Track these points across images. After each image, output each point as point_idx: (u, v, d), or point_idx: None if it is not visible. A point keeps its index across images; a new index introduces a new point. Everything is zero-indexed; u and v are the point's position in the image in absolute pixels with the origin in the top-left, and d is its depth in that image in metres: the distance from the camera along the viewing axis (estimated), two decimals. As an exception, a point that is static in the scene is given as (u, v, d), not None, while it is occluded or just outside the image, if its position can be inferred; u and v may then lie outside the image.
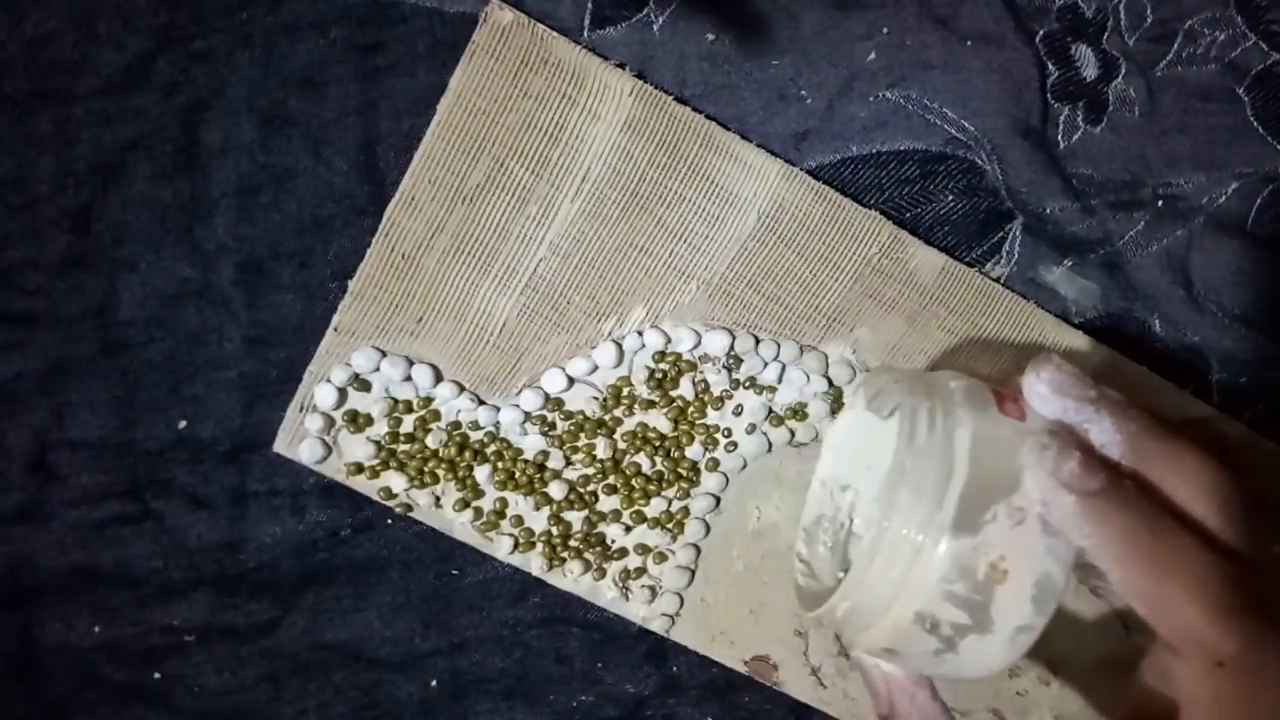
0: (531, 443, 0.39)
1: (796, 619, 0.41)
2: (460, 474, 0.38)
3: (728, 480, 0.40)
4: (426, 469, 0.38)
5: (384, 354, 0.37)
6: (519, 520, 0.39)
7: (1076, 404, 0.26)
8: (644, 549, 0.40)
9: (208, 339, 0.37)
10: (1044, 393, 0.26)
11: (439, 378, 0.38)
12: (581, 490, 0.39)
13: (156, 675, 0.40)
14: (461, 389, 0.38)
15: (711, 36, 0.36)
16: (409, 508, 0.39)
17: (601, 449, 0.39)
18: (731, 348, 0.38)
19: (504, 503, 0.39)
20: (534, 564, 0.40)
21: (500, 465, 0.39)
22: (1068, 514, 0.24)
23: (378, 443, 0.38)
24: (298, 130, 0.36)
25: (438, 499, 0.39)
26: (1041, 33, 0.38)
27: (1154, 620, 0.23)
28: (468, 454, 0.38)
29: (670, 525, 0.40)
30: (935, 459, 0.25)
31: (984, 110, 0.38)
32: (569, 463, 0.39)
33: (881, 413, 0.32)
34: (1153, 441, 0.25)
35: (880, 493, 0.26)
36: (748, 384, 0.39)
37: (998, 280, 0.39)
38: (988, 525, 0.24)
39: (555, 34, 0.35)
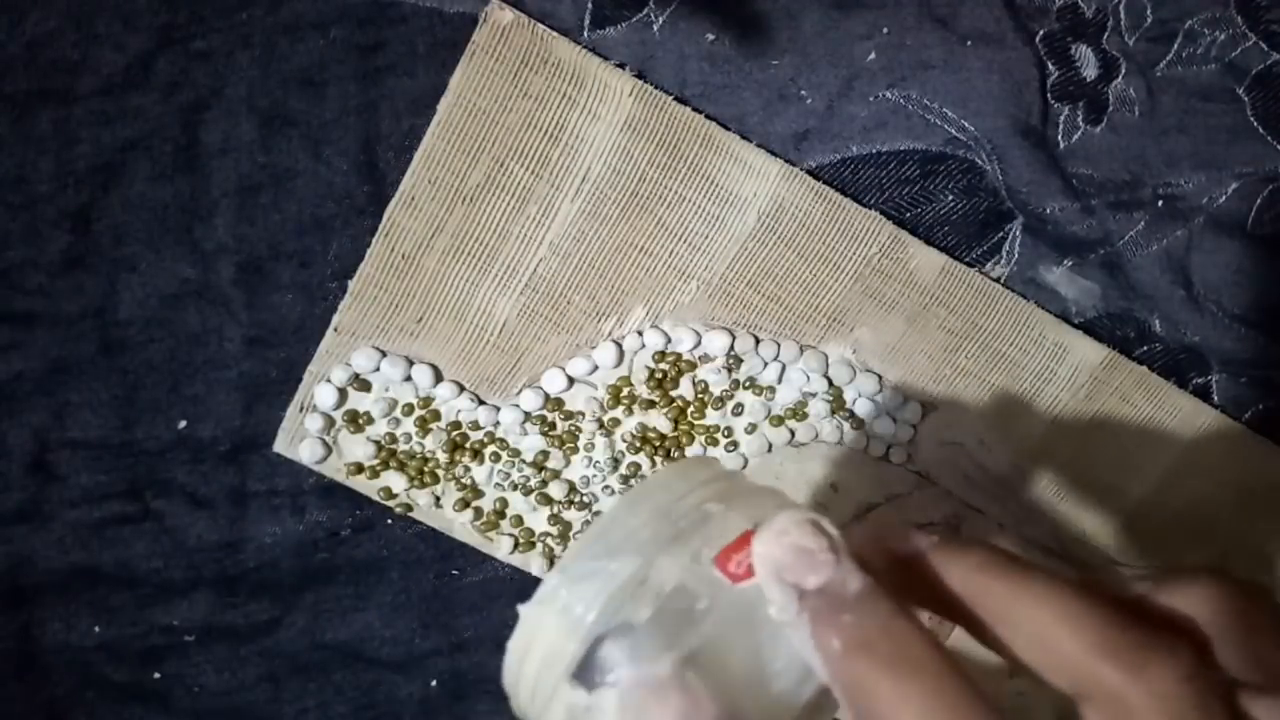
0: (531, 443, 0.39)
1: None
2: (460, 474, 0.38)
3: (728, 480, 0.40)
4: (426, 469, 0.38)
5: (384, 354, 0.37)
6: (519, 520, 0.39)
7: (783, 596, 0.19)
8: (644, 549, 0.40)
9: (208, 339, 0.37)
10: (759, 569, 0.19)
11: (439, 378, 0.38)
12: (581, 490, 0.39)
13: (156, 675, 0.40)
14: (461, 389, 0.38)
15: (711, 36, 0.36)
16: (409, 508, 0.39)
17: (601, 449, 0.39)
18: (731, 348, 0.38)
19: (504, 503, 0.39)
20: (534, 564, 0.40)
21: (500, 465, 0.39)
22: None
23: (378, 443, 0.38)
24: (298, 130, 0.36)
25: (438, 499, 0.39)
26: (1041, 33, 0.38)
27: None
28: (467, 454, 0.38)
29: (670, 525, 0.40)
30: (619, 579, 0.20)
31: (984, 110, 0.38)
32: (569, 462, 0.39)
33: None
34: (861, 664, 0.18)
35: (568, 565, 0.21)
36: (748, 384, 0.39)
37: (998, 280, 0.39)
38: (608, 689, 0.20)
39: (555, 34, 0.35)
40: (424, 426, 0.38)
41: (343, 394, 0.37)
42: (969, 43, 0.37)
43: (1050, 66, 0.38)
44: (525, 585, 0.40)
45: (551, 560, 0.40)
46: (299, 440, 0.38)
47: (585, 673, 0.20)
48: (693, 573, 0.20)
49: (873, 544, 0.20)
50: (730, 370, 0.39)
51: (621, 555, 0.20)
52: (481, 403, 0.38)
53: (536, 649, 0.20)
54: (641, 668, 0.19)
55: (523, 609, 0.21)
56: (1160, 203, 0.39)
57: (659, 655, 0.19)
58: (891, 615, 0.18)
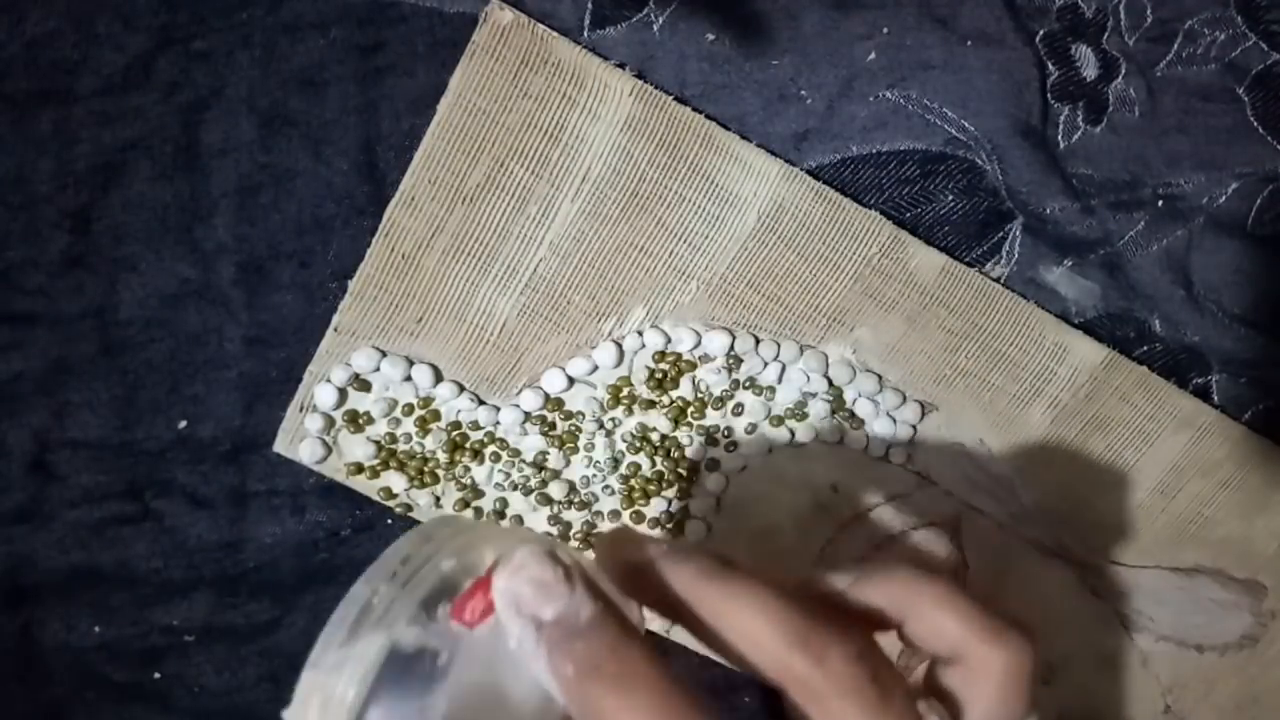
0: (531, 443, 0.39)
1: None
2: (460, 474, 0.38)
3: (728, 480, 0.40)
4: (426, 469, 0.38)
5: (384, 354, 0.37)
6: (519, 520, 0.39)
7: (521, 629, 0.20)
8: (644, 549, 0.40)
9: (208, 339, 0.37)
10: (499, 606, 0.20)
11: (439, 378, 0.38)
12: (581, 490, 0.39)
13: (156, 675, 0.40)
14: (461, 389, 0.38)
15: (711, 36, 0.36)
16: (409, 508, 0.39)
17: (601, 449, 0.39)
18: (731, 348, 0.38)
19: (504, 503, 0.39)
20: (534, 564, 0.40)
21: (500, 465, 0.39)
22: None
23: (378, 443, 0.38)
24: (298, 130, 0.36)
25: (438, 499, 0.39)
26: (1041, 33, 0.38)
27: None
28: (467, 454, 0.38)
29: (670, 525, 0.40)
30: (366, 661, 0.21)
31: (984, 110, 0.38)
32: (569, 462, 0.39)
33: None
34: (593, 687, 0.19)
35: (316, 658, 0.22)
36: (748, 384, 0.39)
37: (998, 280, 0.39)
38: None
39: (555, 34, 0.35)
40: (424, 426, 0.38)
41: (343, 394, 0.37)
42: (969, 43, 0.37)
43: (1050, 66, 0.38)
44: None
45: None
46: (299, 440, 0.38)
47: None
48: (430, 631, 0.20)
49: (611, 554, 0.22)
50: (730, 370, 0.39)
51: (364, 636, 0.20)
52: (481, 403, 0.38)
53: None
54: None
55: (285, 714, 0.22)
56: (1160, 203, 0.39)
57: None
58: (619, 637, 0.20)
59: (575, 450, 0.39)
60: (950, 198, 0.39)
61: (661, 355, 0.38)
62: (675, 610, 0.21)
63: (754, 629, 0.20)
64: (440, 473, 0.38)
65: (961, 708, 0.22)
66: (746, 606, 0.21)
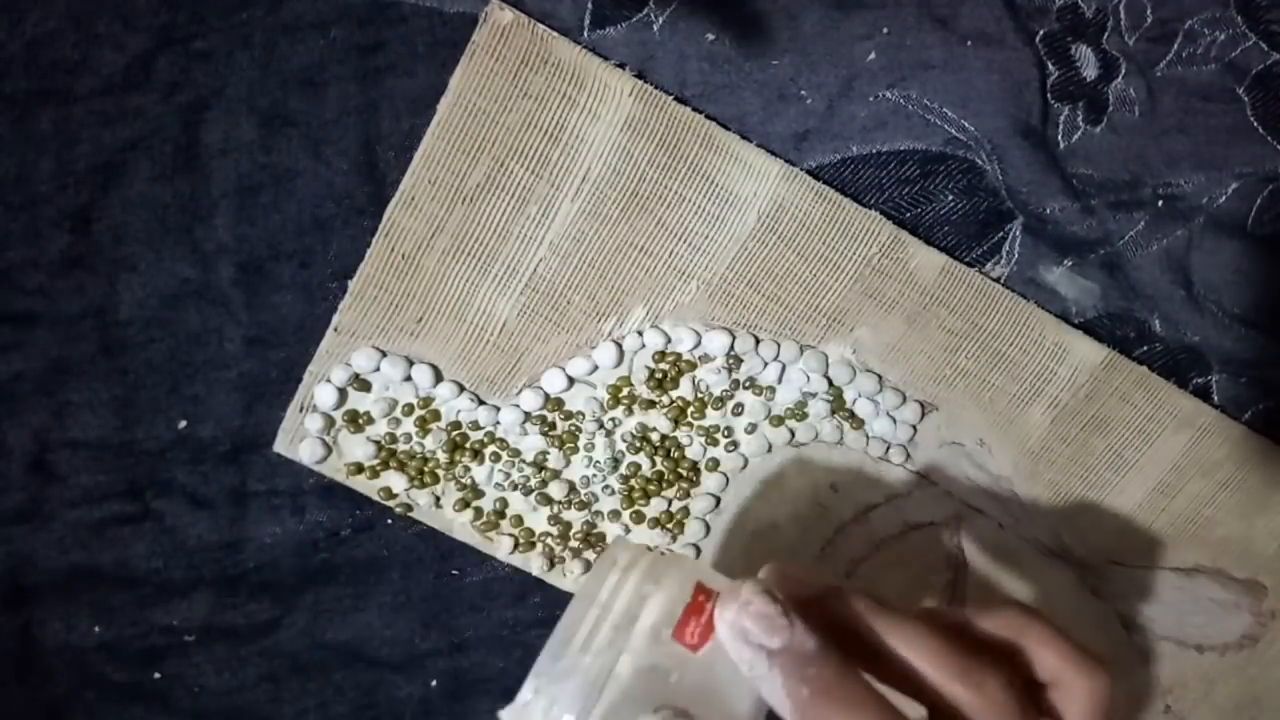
0: (531, 443, 0.39)
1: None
2: (460, 474, 0.38)
3: (728, 480, 0.40)
4: (426, 469, 0.38)
5: (384, 354, 0.37)
6: (519, 520, 0.39)
7: (753, 656, 0.23)
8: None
9: (208, 339, 0.37)
10: (725, 635, 0.24)
11: (439, 378, 0.38)
12: (581, 490, 0.39)
13: (156, 675, 0.40)
14: (461, 389, 0.38)
15: (711, 36, 0.36)
16: (409, 508, 0.39)
17: (601, 449, 0.39)
18: (731, 348, 0.38)
19: (504, 503, 0.39)
20: (534, 564, 0.40)
21: (500, 465, 0.39)
22: None
23: (378, 443, 0.38)
24: (298, 130, 0.36)
25: (438, 499, 0.39)
26: (1041, 33, 0.38)
27: None
28: (467, 454, 0.38)
29: (670, 525, 0.40)
30: (593, 674, 0.23)
31: (984, 110, 0.38)
32: (569, 462, 0.39)
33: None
34: (827, 708, 0.23)
35: (543, 669, 0.24)
36: (748, 384, 0.39)
37: (998, 280, 0.39)
38: None
39: (555, 34, 0.35)
40: (424, 426, 0.38)
41: (343, 394, 0.37)
42: (969, 43, 0.37)
43: (1050, 66, 0.38)
44: (525, 585, 0.40)
45: (552, 561, 0.40)
46: (299, 440, 0.38)
47: None
48: (660, 651, 0.23)
49: (780, 588, 0.25)
50: (730, 370, 0.39)
51: (589, 651, 0.23)
52: (481, 403, 0.38)
53: None
54: None
55: (505, 713, 0.23)
56: (1160, 203, 0.39)
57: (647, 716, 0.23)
58: (842, 665, 0.23)
59: (575, 450, 0.39)
60: (950, 198, 0.39)
61: (661, 355, 0.38)
62: (839, 638, 0.24)
63: (922, 662, 0.24)
64: (440, 473, 0.38)
65: None
66: (914, 643, 0.25)
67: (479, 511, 0.39)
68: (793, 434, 0.39)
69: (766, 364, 0.38)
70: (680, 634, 0.24)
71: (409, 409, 0.38)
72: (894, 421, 0.40)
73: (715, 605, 0.24)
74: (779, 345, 0.38)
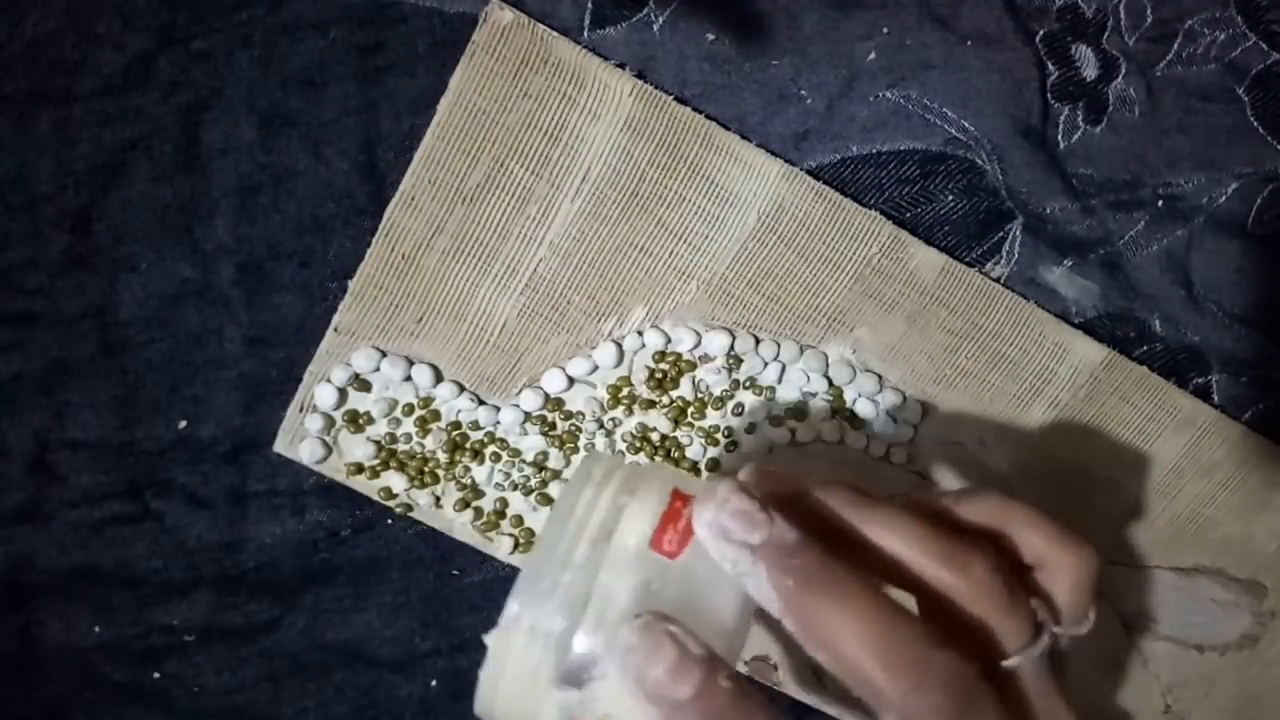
0: (531, 443, 0.39)
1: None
2: (460, 474, 0.38)
3: (728, 480, 0.40)
4: (426, 469, 0.38)
5: (384, 354, 0.37)
6: (519, 520, 0.39)
7: (735, 554, 0.23)
8: (644, 549, 0.40)
9: (208, 339, 0.37)
10: (705, 536, 0.23)
11: (439, 378, 0.38)
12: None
13: (156, 675, 0.40)
14: (461, 389, 0.38)
15: (711, 36, 0.36)
16: (409, 508, 0.39)
17: (601, 449, 0.39)
18: (731, 348, 0.38)
19: (504, 503, 0.39)
20: (534, 564, 0.40)
21: (500, 465, 0.39)
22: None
23: (378, 443, 0.38)
24: (298, 130, 0.36)
25: (438, 499, 0.39)
26: (1041, 33, 0.38)
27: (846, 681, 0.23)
28: (467, 454, 0.38)
29: (670, 525, 0.40)
30: (574, 590, 0.23)
31: (984, 110, 0.38)
32: (569, 462, 0.39)
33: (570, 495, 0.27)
34: (812, 595, 0.22)
35: (524, 589, 0.23)
36: (748, 384, 0.39)
37: (998, 280, 0.39)
38: (596, 682, 0.22)
39: (555, 34, 0.35)
40: (424, 426, 0.38)
41: (343, 394, 0.37)
42: (969, 43, 0.37)
43: (1050, 66, 0.38)
44: (525, 585, 0.40)
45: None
46: (299, 440, 0.38)
47: (569, 675, 0.22)
48: (640, 561, 0.23)
49: (761, 486, 0.25)
50: (730, 370, 0.39)
51: (569, 567, 0.23)
52: (481, 403, 0.38)
53: (512, 669, 0.23)
54: (623, 634, 0.22)
55: (489, 637, 0.23)
56: (1160, 203, 0.39)
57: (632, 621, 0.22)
58: (823, 554, 0.23)
59: (575, 450, 0.39)
60: (950, 198, 0.39)
61: (661, 355, 0.38)
62: (821, 535, 0.24)
63: (905, 549, 0.24)
64: (440, 473, 0.38)
65: (1049, 601, 0.26)
66: (897, 529, 0.24)
67: (479, 511, 0.39)
68: (793, 434, 0.39)
69: (766, 364, 0.39)
70: (659, 542, 0.24)
71: (409, 409, 0.38)
72: (894, 421, 0.40)
73: (693, 508, 0.24)
74: (779, 345, 0.38)
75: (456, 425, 0.38)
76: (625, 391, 0.38)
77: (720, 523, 0.23)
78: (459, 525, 0.39)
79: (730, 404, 0.39)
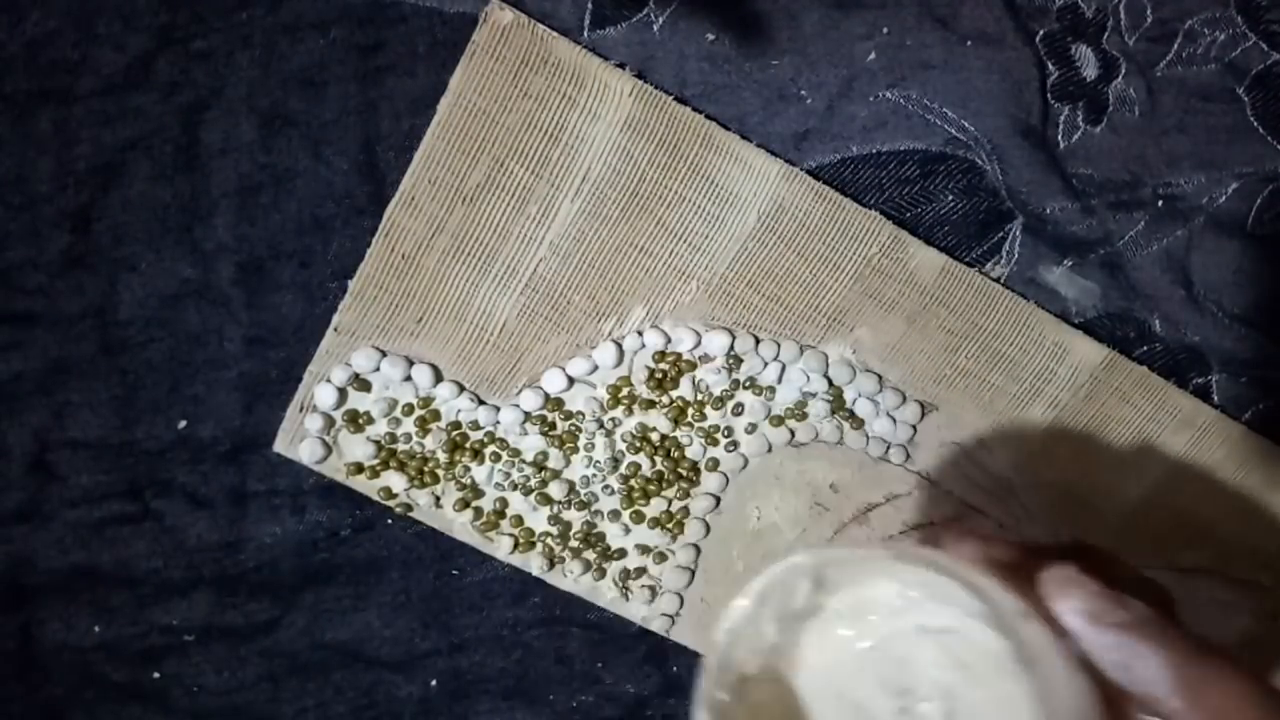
0: (531, 443, 0.39)
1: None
2: (460, 474, 0.38)
3: (728, 480, 0.40)
4: (426, 469, 0.38)
5: (384, 354, 0.37)
6: (519, 520, 0.39)
7: (1116, 637, 0.22)
8: (644, 549, 0.40)
9: (208, 339, 0.37)
10: (1078, 626, 0.22)
11: (439, 378, 0.38)
12: (581, 490, 0.39)
13: (156, 675, 0.40)
14: (461, 389, 0.38)
15: (711, 36, 0.36)
16: (409, 508, 0.39)
17: (601, 449, 0.39)
18: (731, 348, 0.38)
19: (504, 503, 0.39)
20: (534, 564, 0.40)
21: (500, 465, 0.39)
22: None
23: (378, 443, 0.38)
24: (298, 130, 0.36)
25: (438, 499, 0.39)
26: (1041, 33, 0.38)
27: None
28: (467, 454, 0.38)
29: (670, 525, 0.40)
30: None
31: (984, 110, 0.38)
32: (569, 463, 0.39)
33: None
34: (1202, 668, 0.22)
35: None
36: (748, 384, 0.39)
37: (998, 280, 0.39)
38: None
39: (555, 34, 0.35)
40: (424, 426, 0.38)
41: (343, 394, 0.37)
42: (969, 43, 0.37)
43: (1050, 66, 0.38)
44: (525, 585, 0.40)
45: (551, 561, 0.40)
46: (299, 440, 0.38)
47: None
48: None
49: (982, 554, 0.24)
50: (730, 370, 0.39)
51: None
52: (481, 403, 0.38)
53: None
54: None
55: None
56: (1160, 203, 0.39)
57: None
58: (1178, 626, 0.23)
59: (575, 450, 0.39)
60: (950, 198, 0.39)
61: (661, 355, 0.38)
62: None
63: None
64: (440, 473, 0.38)
65: None
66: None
67: (479, 511, 0.39)
68: (793, 434, 0.39)
69: (766, 364, 0.38)
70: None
71: (409, 409, 0.38)
72: (894, 421, 0.40)
73: (1049, 593, 0.23)
74: (779, 345, 0.38)
75: (456, 425, 0.38)
76: (625, 391, 0.38)
77: (1089, 609, 0.22)
78: (459, 525, 0.39)
79: (730, 404, 0.39)
